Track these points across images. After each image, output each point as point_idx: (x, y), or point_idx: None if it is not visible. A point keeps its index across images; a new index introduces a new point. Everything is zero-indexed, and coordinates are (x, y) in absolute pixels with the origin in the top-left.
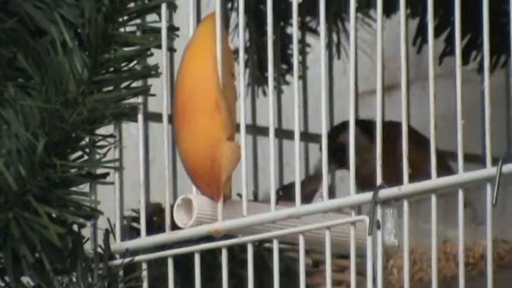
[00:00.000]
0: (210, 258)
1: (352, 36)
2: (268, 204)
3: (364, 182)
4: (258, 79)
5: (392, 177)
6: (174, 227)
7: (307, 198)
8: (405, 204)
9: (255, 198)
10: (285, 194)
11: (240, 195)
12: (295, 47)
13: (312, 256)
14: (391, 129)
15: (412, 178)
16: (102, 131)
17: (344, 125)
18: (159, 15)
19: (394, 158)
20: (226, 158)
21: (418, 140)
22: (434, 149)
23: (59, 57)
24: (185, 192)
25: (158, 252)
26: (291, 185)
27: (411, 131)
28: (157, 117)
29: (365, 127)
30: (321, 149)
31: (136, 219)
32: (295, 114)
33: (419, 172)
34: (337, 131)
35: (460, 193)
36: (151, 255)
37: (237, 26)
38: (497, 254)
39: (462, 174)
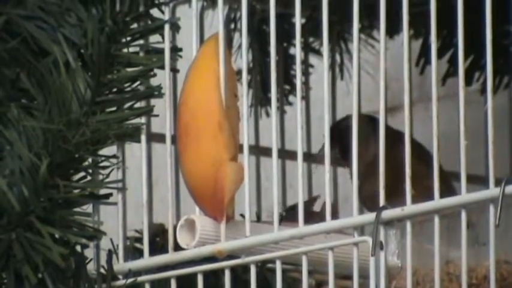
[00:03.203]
0: (213, 279)
1: (355, 57)
2: (271, 225)
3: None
4: (261, 100)
5: (395, 191)
6: (177, 247)
7: (309, 218)
8: (408, 225)
9: (258, 218)
10: (288, 214)
11: (243, 215)
12: (298, 68)
13: (315, 277)
14: (395, 139)
15: (416, 193)
16: (105, 151)
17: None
18: (162, 36)
19: (397, 169)
20: (229, 178)
21: (423, 155)
22: (437, 169)
23: (62, 77)
24: (188, 213)
25: (161, 273)
26: (294, 207)
27: (416, 146)
28: (161, 138)
29: (369, 118)
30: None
31: (139, 240)
32: (298, 134)
33: (422, 188)
34: (342, 119)
35: (463, 214)
36: (154, 275)
37: (240, 46)
38: (500, 274)
39: (465, 195)
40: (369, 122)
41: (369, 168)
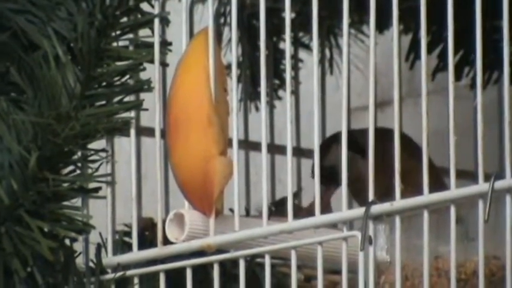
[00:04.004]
0: (202, 273)
1: (345, 52)
2: (260, 219)
3: (356, 194)
4: (250, 94)
5: (385, 189)
6: (166, 241)
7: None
8: (397, 219)
9: (247, 213)
10: (277, 208)
11: (232, 210)
12: (287, 62)
13: (304, 271)
14: (384, 138)
15: (405, 187)
16: (94, 145)
17: (331, 143)
18: (152, 30)
19: (386, 167)
20: (218, 173)
21: (414, 150)
22: (426, 164)
23: (52, 71)
24: (177, 207)
25: (150, 267)
26: (283, 200)
27: (406, 141)
28: (150, 131)
29: (356, 144)
30: (313, 172)
31: (128, 234)
32: (287, 129)
33: (413, 182)
34: (326, 150)
35: (452, 209)
36: (143, 269)
37: (229, 41)
38: (489, 270)
39: (454, 190)
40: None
41: (359, 173)
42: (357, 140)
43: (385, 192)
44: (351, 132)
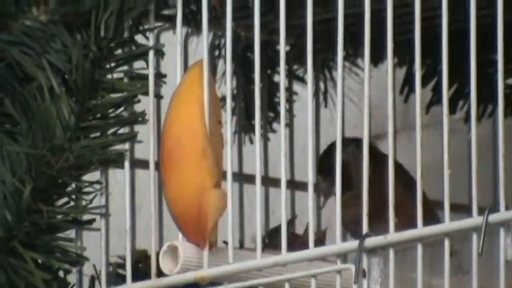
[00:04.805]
0: None
1: (339, 85)
2: (254, 252)
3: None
4: (244, 127)
5: (381, 218)
6: (160, 273)
7: (291, 241)
8: (391, 252)
9: (241, 245)
10: (270, 240)
11: (226, 242)
12: (282, 95)
13: None
14: (383, 163)
15: (401, 219)
16: (88, 177)
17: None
18: (147, 62)
19: (383, 194)
20: (212, 205)
21: (408, 182)
22: (420, 197)
23: (46, 103)
24: (171, 239)
25: None
26: (275, 230)
27: (401, 172)
28: (144, 164)
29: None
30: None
31: (122, 266)
32: (281, 162)
33: (407, 214)
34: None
35: (446, 242)
36: None
37: (224, 73)
38: None
39: (448, 223)
40: (357, 147)
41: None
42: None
43: (381, 224)
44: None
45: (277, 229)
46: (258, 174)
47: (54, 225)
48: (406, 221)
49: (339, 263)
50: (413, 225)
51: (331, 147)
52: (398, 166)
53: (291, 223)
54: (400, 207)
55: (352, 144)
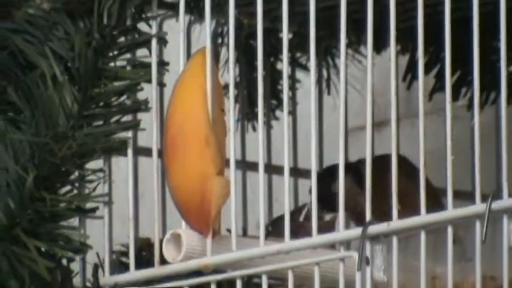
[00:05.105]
0: None
1: (342, 72)
2: (257, 240)
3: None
4: (247, 114)
5: (383, 215)
6: (163, 261)
7: (298, 229)
8: (394, 240)
9: (244, 233)
10: (274, 228)
11: (229, 230)
12: (285, 83)
13: None
14: (383, 163)
15: (404, 208)
16: (91, 165)
17: (332, 172)
18: (150, 50)
19: (386, 191)
20: (215, 193)
21: (411, 171)
22: (423, 184)
23: (49, 91)
24: (174, 227)
25: (147, 287)
26: (280, 219)
27: (404, 163)
28: (147, 151)
29: (355, 174)
30: (310, 192)
31: (126, 254)
32: (284, 149)
33: (411, 203)
34: (327, 179)
35: (449, 229)
36: None
37: (227, 61)
38: None
39: (451, 211)
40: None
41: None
42: (357, 167)
43: (383, 218)
44: (350, 164)
45: (282, 218)
46: (261, 161)
47: (57, 213)
48: (409, 212)
49: (342, 251)
50: (416, 215)
51: (327, 176)
52: (399, 158)
53: (299, 211)
54: (403, 199)
55: (348, 173)
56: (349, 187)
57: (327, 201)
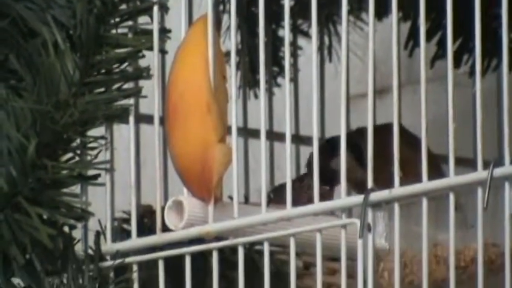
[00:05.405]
0: (201, 260)
1: (344, 39)
2: (259, 207)
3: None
4: (249, 81)
5: (384, 182)
6: (165, 229)
7: (297, 199)
8: (396, 207)
9: (246, 200)
10: (275, 195)
11: (231, 197)
12: (286, 50)
13: (303, 259)
14: (383, 134)
15: (405, 178)
16: (93, 132)
17: (332, 146)
18: (151, 17)
19: (386, 163)
20: (217, 160)
21: (411, 140)
22: (425, 152)
23: (51, 58)
24: (176, 194)
25: (149, 254)
26: (282, 187)
27: (403, 132)
28: (149, 119)
29: (354, 150)
30: (307, 166)
31: (127, 221)
32: (286, 116)
33: (412, 173)
34: (326, 154)
35: (451, 196)
36: (142, 257)
37: (228, 28)
38: (487, 257)
39: (453, 178)
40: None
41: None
42: (356, 144)
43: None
44: (350, 135)
45: (282, 186)
46: (263, 128)
47: (59, 180)
48: (411, 180)
49: (344, 218)
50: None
51: (327, 150)
52: (400, 127)
53: (301, 179)
54: (404, 167)
55: (347, 150)
56: (348, 164)
57: (326, 177)
